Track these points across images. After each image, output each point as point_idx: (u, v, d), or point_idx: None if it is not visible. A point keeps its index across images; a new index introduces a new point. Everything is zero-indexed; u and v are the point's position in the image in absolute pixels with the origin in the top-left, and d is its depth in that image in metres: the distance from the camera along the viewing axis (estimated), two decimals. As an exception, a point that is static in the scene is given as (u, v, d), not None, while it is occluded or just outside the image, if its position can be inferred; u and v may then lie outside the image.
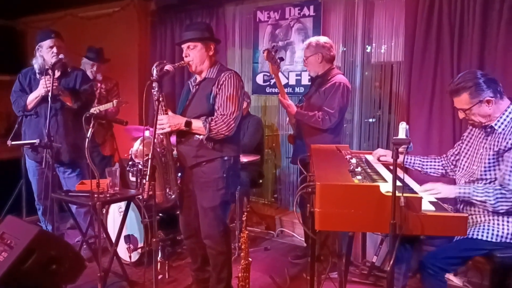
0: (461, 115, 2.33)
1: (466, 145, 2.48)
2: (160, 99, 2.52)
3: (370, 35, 3.95)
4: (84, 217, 3.54)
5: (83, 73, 3.57)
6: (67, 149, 3.39)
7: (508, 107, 2.25)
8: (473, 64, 3.18)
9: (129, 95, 4.71)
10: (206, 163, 2.63)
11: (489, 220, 2.23)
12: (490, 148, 2.25)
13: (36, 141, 3.10)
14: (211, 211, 2.65)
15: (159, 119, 2.54)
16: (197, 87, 2.72)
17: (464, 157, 2.47)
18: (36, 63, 3.33)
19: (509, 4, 3.03)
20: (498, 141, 2.22)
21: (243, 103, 2.73)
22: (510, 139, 2.16)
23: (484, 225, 2.23)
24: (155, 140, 2.43)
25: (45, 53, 3.28)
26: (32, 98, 3.28)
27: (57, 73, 3.20)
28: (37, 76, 3.34)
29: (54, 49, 3.24)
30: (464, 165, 2.44)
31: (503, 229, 2.19)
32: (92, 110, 3.57)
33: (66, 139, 3.38)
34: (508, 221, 2.20)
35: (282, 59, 3.33)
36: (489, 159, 2.24)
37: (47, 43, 3.26)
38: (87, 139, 2.62)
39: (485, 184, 2.24)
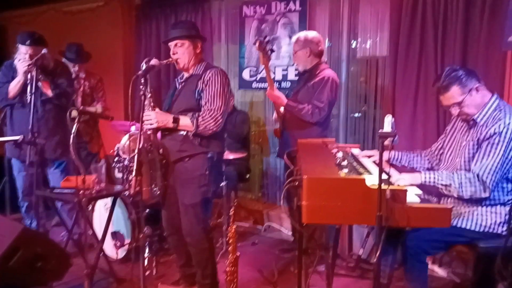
0: (454, 111, 2.32)
1: (450, 138, 2.52)
2: (148, 94, 2.51)
3: (356, 30, 3.97)
4: (70, 213, 3.50)
5: (64, 65, 3.57)
6: (51, 145, 3.35)
7: (490, 99, 2.29)
8: (456, 58, 3.22)
9: (115, 91, 4.66)
10: (189, 159, 2.62)
11: (473, 210, 2.27)
12: (472, 140, 2.29)
13: (20, 137, 3.06)
14: (192, 208, 2.64)
15: (147, 114, 2.54)
16: (183, 83, 2.72)
17: (448, 150, 2.50)
18: (17, 59, 3.28)
19: (491, 0, 3.08)
20: (480, 132, 2.26)
21: (230, 100, 2.73)
22: (490, 128, 2.20)
23: (468, 215, 2.27)
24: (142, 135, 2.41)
25: (20, 57, 3.26)
26: (14, 85, 3.25)
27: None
28: None
29: (27, 57, 3.21)
30: (448, 158, 2.48)
31: (486, 219, 2.24)
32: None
33: (49, 136, 3.34)
34: (491, 212, 2.25)
35: (273, 50, 3.33)
36: (469, 150, 2.29)
37: (22, 49, 3.24)
38: (72, 135, 2.59)
39: None
